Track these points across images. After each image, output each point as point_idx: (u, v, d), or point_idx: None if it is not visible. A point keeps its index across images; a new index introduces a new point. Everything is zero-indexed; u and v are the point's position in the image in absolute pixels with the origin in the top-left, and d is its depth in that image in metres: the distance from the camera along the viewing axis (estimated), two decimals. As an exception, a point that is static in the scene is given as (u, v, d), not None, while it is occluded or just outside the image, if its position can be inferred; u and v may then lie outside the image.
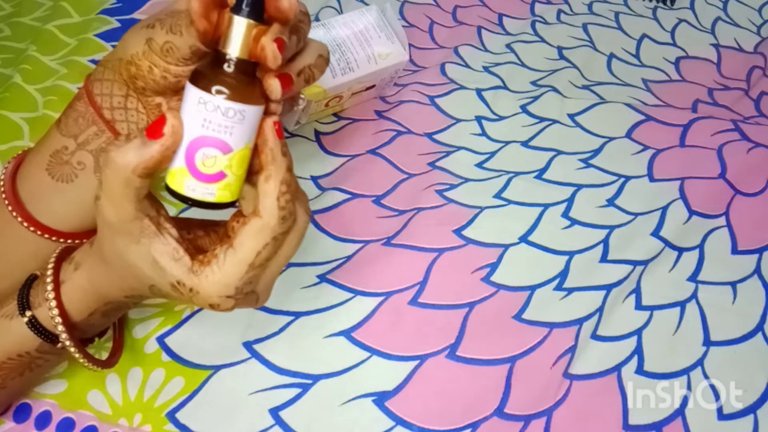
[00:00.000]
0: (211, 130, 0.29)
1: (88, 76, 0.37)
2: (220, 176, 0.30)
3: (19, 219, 0.37)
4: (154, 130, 0.28)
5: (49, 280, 0.34)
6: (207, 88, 0.29)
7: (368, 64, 0.51)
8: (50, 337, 0.34)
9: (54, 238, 0.37)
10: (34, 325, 0.34)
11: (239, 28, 0.29)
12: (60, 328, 0.33)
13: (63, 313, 0.34)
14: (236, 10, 0.29)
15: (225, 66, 0.29)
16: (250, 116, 0.29)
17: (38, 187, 0.37)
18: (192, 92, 0.29)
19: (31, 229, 0.37)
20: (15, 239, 0.38)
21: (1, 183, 0.38)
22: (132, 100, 0.35)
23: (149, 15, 0.33)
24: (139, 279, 0.32)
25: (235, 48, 0.29)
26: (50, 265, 0.34)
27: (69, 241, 0.38)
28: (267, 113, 0.30)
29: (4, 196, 0.37)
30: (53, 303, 0.33)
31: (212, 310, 0.31)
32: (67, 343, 0.34)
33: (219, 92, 0.29)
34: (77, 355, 0.35)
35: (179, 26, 0.30)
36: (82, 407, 0.40)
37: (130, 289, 0.33)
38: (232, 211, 0.32)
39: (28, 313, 0.34)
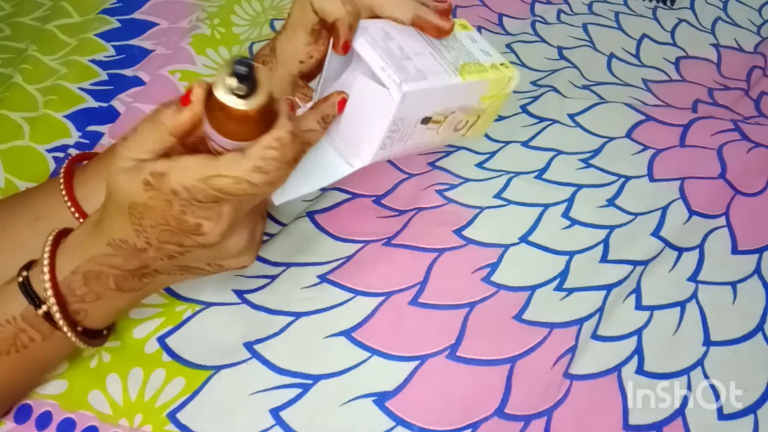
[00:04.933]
0: None
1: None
2: None
3: (77, 215, 0.40)
4: (184, 98, 0.31)
5: (50, 237, 0.35)
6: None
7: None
8: (34, 300, 0.34)
9: None
10: (24, 285, 0.34)
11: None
12: (47, 278, 0.34)
13: (52, 269, 0.34)
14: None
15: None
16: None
17: None
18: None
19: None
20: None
21: (65, 196, 0.40)
22: None
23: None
24: (118, 200, 0.32)
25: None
26: (54, 230, 0.35)
27: None
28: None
29: (72, 209, 0.40)
30: (47, 255, 0.34)
31: (173, 204, 0.31)
32: (52, 303, 0.34)
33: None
34: (59, 320, 0.35)
35: None
36: (83, 408, 0.40)
37: (109, 229, 0.33)
38: None
39: (24, 273, 0.35)
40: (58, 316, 0.35)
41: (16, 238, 0.40)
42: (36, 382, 0.40)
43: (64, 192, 0.40)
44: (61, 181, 0.41)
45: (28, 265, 0.36)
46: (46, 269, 0.34)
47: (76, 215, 0.40)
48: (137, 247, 0.33)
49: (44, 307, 0.34)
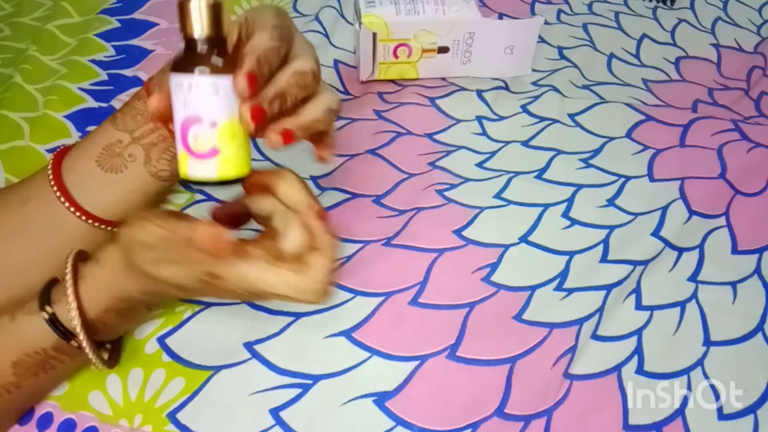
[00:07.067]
0: (191, 108, 0.30)
1: (150, 79, 0.40)
2: (214, 152, 0.31)
3: (66, 204, 0.39)
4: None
5: (68, 276, 0.35)
6: (177, 70, 0.31)
7: (435, 13, 0.55)
8: (66, 335, 0.35)
9: (97, 224, 0.40)
10: (53, 321, 0.35)
11: (192, 11, 0.30)
12: (76, 322, 0.34)
13: (80, 308, 0.35)
14: None
15: (188, 48, 0.31)
16: (223, 87, 0.30)
17: (86, 176, 0.40)
18: (171, 78, 0.31)
19: (77, 214, 0.39)
20: (55, 225, 0.39)
21: (49, 169, 0.40)
22: None
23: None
24: (134, 266, 0.33)
25: (191, 29, 0.30)
26: (69, 262, 0.36)
27: (108, 228, 0.40)
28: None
29: (52, 182, 0.40)
30: (71, 297, 0.34)
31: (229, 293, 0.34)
32: (83, 340, 0.35)
33: (185, 70, 0.30)
34: (90, 354, 0.36)
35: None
36: (83, 408, 0.40)
37: (148, 285, 0.34)
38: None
39: (49, 309, 0.35)
40: (91, 355, 0.36)
41: (7, 223, 0.40)
42: (54, 389, 0.40)
43: (50, 174, 0.40)
44: (50, 166, 0.40)
45: (48, 296, 0.36)
46: (75, 313, 0.34)
47: (58, 194, 0.39)
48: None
49: (75, 343, 0.35)
